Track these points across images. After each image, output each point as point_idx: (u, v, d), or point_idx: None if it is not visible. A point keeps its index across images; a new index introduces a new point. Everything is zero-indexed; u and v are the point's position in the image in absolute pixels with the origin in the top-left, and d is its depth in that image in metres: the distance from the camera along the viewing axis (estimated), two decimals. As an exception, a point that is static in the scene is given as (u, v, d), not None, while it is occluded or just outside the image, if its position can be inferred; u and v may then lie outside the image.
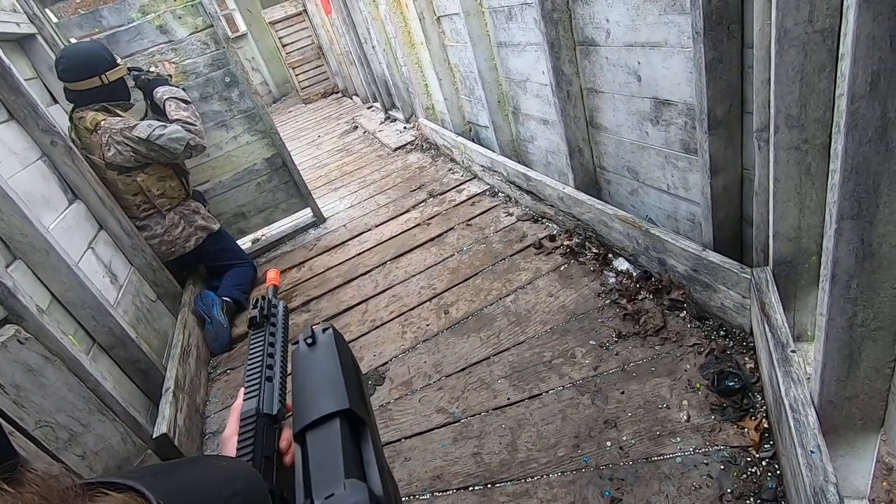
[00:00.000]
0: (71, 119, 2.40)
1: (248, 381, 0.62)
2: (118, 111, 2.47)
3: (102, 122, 2.34)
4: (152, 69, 2.75)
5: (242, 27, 10.22)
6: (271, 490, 0.52)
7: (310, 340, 0.51)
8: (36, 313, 1.44)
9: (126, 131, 2.36)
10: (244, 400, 0.61)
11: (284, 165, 3.33)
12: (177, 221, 2.63)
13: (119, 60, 2.49)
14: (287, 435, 0.61)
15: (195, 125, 2.56)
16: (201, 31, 2.91)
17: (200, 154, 2.66)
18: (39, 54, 2.48)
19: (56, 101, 2.54)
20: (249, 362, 0.65)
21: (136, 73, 2.61)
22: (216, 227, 2.80)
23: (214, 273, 2.92)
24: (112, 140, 2.35)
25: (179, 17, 2.85)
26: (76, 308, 1.76)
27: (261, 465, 0.54)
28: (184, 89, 2.80)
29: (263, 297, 0.72)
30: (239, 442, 0.56)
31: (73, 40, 2.69)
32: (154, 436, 1.68)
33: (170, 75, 2.78)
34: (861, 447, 1.01)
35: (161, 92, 2.58)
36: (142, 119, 2.62)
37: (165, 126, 2.45)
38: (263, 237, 3.58)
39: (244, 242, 3.44)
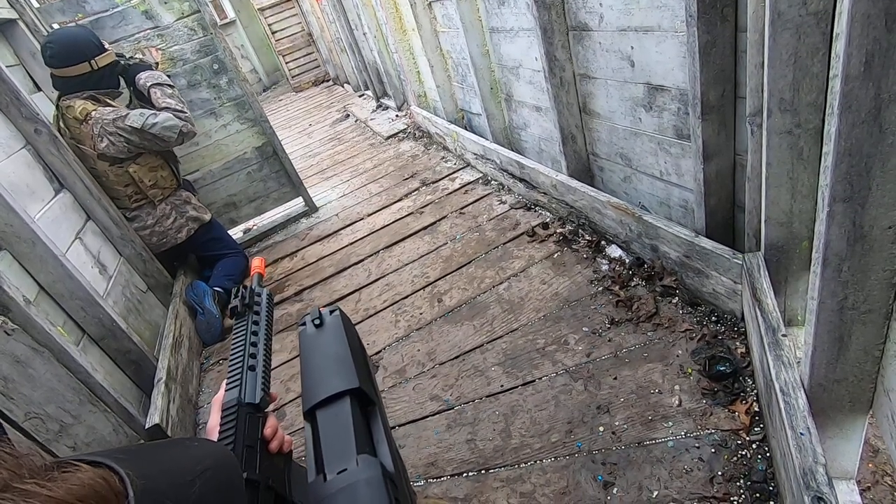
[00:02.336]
0: (58, 107, 2.35)
1: (230, 372, 0.62)
2: (107, 100, 2.42)
3: (93, 112, 2.29)
4: (138, 56, 2.69)
5: (231, 14, 10.04)
6: (255, 479, 0.52)
7: (317, 322, 0.51)
8: (23, 304, 1.42)
9: (119, 121, 2.31)
10: (226, 391, 0.60)
11: (275, 154, 3.29)
12: (168, 212, 2.59)
13: (107, 45, 2.43)
14: (272, 423, 0.60)
15: (184, 111, 2.52)
16: (188, 16, 2.85)
17: (190, 140, 2.62)
18: (21, 40, 2.42)
19: (40, 89, 2.48)
20: (232, 352, 0.64)
21: (117, 58, 2.55)
22: (207, 217, 2.77)
23: (206, 263, 2.89)
24: (104, 131, 2.30)
25: (165, 3, 2.79)
26: (64, 299, 1.73)
27: (242, 455, 0.54)
28: (169, 76, 2.74)
29: (245, 286, 0.71)
30: (220, 433, 0.56)
31: (55, 26, 2.62)
32: (146, 426, 1.67)
33: (156, 62, 2.72)
34: (849, 429, 1.02)
35: (144, 78, 2.52)
36: (127, 107, 2.57)
37: (157, 114, 2.40)
38: (255, 227, 3.55)
39: (235, 232, 3.41)
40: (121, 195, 2.46)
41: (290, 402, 1.94)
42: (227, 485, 0.41)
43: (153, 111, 2.41)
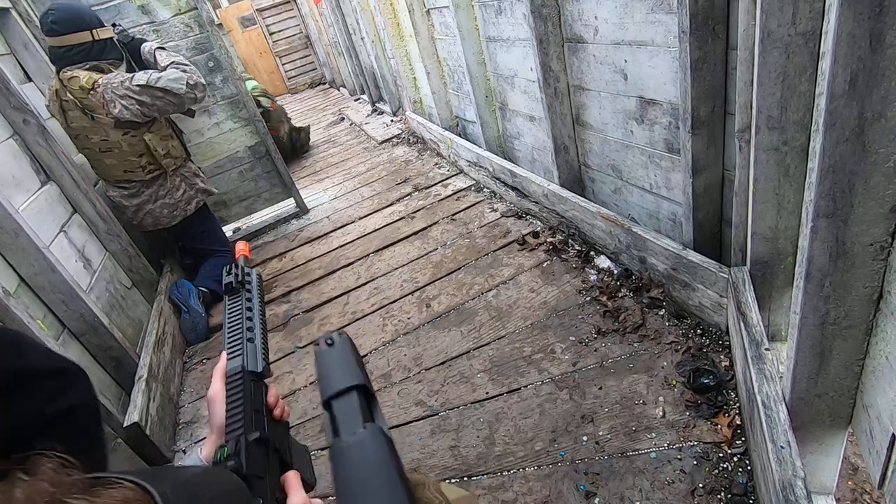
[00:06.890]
0: (59, 80, 2.29)
1: (230, 343, 0.65)
2: (111, 68, 2.39)
3: (100, 80, 2.24)
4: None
5: (229, 13, 10.02)
6: (266, 437, 0.58)
7: (329, 342, 0.61)
8: (2, 296, 1.39)
9: (126, 82, 2.26)
10: (228, 359, 0.63)
11: (268, 154, 3.28)
12: (178, 184, 2.57)
13: (105, 23, 2.41)
14: (274, 391, 0.64)
15: (189, 66, 2.46)
16: (185, 13, 2.84)
17: (204, 94, 2.51)
18: (13, 30, 2.39)
19: (30, 79, 2.45)
20: (229, 325, 0.67)
21: (120, 29, 2.51)
22: (215, 190, 2.79)
23: (192, 255, 2.85)
24: (115, 95, 2.25)
25: (162, -2, 2.78)
26: (46, 292, 1.70)
27: (251, 418, 0.58)
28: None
29: (236, 265, 0.72)
30: (228, 397, 0.59)
31: (49, 17, 2.59)
32: (125, 424, 1.64)
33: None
34: (829, 444, 1.03)
35: (149, 45, 2.50)
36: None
37: (162, 71, 2.37)
38: (245, 227, 3.53)
39: (225, 231, 3.38)
40: (135, 167, 2.41)
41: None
42: None
43: (158, 70, 2.38)
